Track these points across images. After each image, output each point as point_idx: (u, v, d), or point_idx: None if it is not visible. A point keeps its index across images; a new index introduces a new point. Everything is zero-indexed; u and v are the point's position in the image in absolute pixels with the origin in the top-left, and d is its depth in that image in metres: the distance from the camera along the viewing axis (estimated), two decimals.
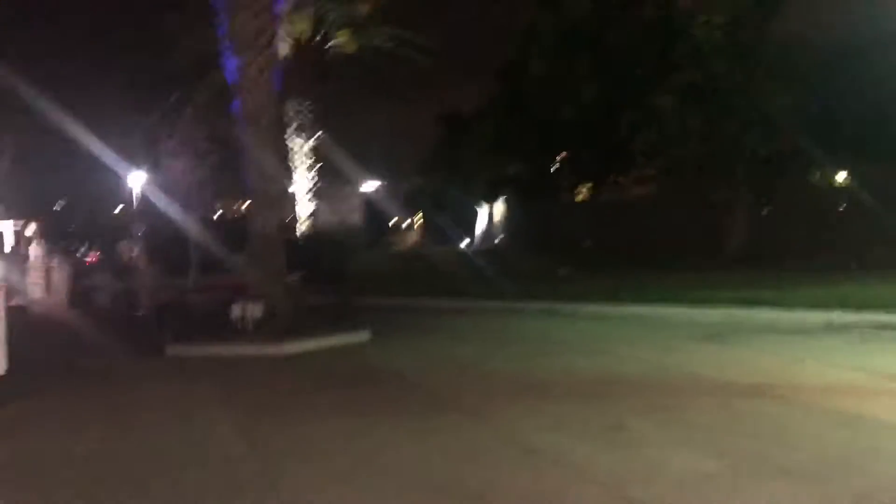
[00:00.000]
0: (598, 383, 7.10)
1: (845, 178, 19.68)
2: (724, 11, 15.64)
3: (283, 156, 21.54)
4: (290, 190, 23.06)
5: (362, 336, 10.18)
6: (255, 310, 9.89)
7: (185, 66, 22.07)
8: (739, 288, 13.40)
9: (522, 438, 5.25)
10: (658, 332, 10.36)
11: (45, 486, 4.60)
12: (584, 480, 4.37)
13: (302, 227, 23.31)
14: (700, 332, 10.01)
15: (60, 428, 6.07)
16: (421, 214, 46.39)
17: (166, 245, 22.76)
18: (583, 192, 33.86)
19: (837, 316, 10.17)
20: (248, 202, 12.68)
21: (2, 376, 7.40)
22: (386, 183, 47.94)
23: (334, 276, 17.11)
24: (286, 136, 22.49)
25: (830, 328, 9.82)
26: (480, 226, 42.31)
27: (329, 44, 21.92)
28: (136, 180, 32.85)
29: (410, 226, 47.72)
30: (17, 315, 16.20)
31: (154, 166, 28.82)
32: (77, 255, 35.67)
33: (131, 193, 34.49)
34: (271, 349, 9.23)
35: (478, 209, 41.88)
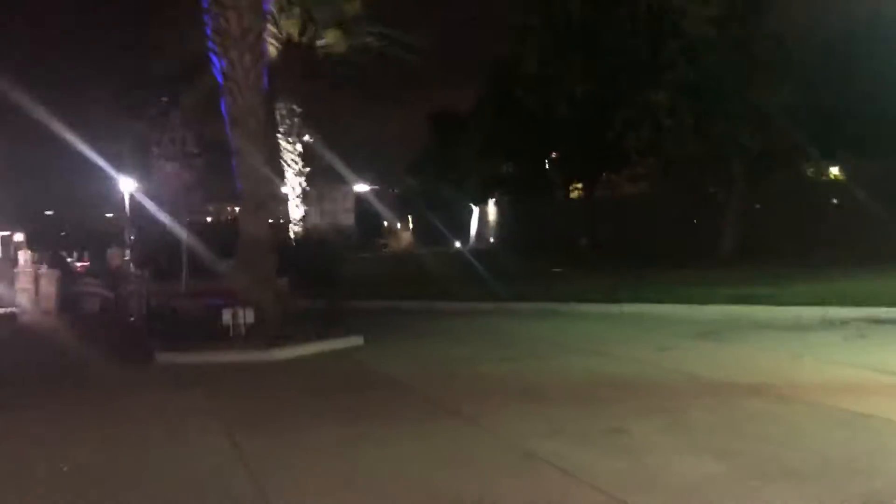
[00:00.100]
0: (595, 385, 6.98)
1: (839, 173, 19.64)
2: (716, 5, 15.55)
3: (274, 158, 21.34)
4: (282, 192, 22.90)
5: (355, 340, 10.03)
6: (246, 315, 9.73)
7: (175, 68, 21.89)
8: (735, 284, 13.32)
9: (520, 444, 5.12)
10: (654, 330, 10.25)
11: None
12: (586, 487, 4.24)
13: (294, 230, 23.12)
14: (696, 329, 9.91)
15: (43, 442, 5.90)
16: (413, 216, 46.26)
17: (157, 250, 22.57)
18: (577, 191, 33.79)
19: (834, 312, 10.08)
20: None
21: None
22: (378, 184, 47.83)
23: (326, 279, 16.95)
24: (277, 138, 22.31)
25: (827, 324, 9.73)
26: (474, 226, 42.21)
27: (318, 43, 21.73)
28: (128, 185, 32.63)
29: (403, 227, 47.53)
30: (5, 322, 16.07)
31: (145, 171, 28.63)
32: (68, 260, 35.40)
33: (123, 198, 34.26)
34: (262, 356, 9.07)
35: (471, 209, 41.78)
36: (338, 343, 9.85)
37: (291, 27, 21.14)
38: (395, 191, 49.93)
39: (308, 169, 22.95)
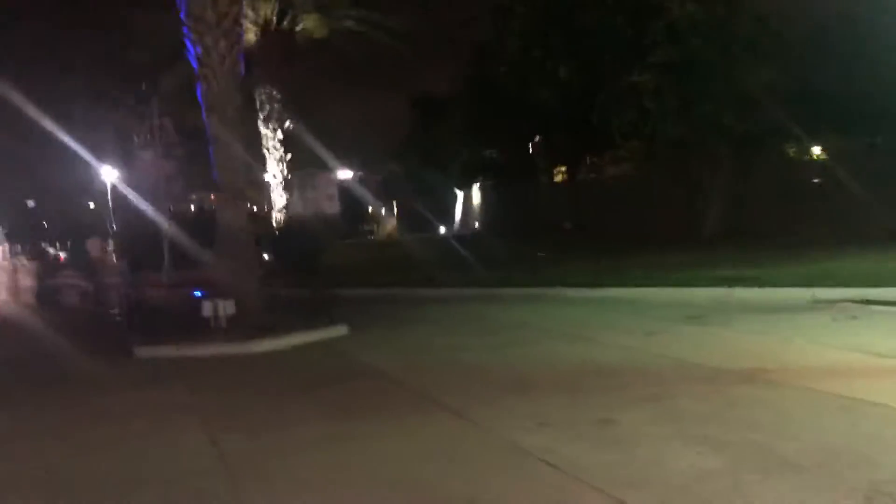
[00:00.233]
0: (583, 373, 6.84)
1: (822, 153, 19.62)
2: None
3: (254, 145, 21.03)
4: (263, 179, 22.60)
5: (339, 330, 9.86)
6: (226, 307, 9.52)
7: (153, 56, 21.48)
8: (720, 266, 13.24)
9: (509, 437, 4.98)
10: (641, 314, 10.12)
11: None
12: (579, 483, 4.09)
13: (276, 218, 22.84)
14: (683, 312, 9.79)
15: (12, 442, 5.69)
16: (398, 202, 45.97)
17: (138, 240, 22.21)
18: (560, 175, 33.64)
19: (822, 293, 9.98)
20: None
21: None
22: (362, 170, 47.45)
23: (310, 267, 16.73)
24: (257, 125, 21.98)
25: (816, 305, 9.64)
26: (459, 211, 42.01)
27: (297, 28, 21.37)
28: (109, 175, 32.15)
29: (388, 213, 47.24)
30: None
31: (126, 160, 28.21)
32: (49, 251, 34.92)
33: (104, 188, 33.76)
34: (243, 348, 8.89)
35: (456, 194, 41.55)
36: (321, 333, 9.68)
37: (270, 12, 20.77)
38: (380, 177, 49.51)
39: (289, 156, 22.64)
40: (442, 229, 39.28)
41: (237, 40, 10.37)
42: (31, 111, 26.43)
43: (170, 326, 10.39)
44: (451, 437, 5.15)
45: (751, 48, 16.23)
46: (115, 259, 18.01)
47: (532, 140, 33.21)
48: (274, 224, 22.55)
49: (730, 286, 11.08)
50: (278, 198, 22.71)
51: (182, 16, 10.24)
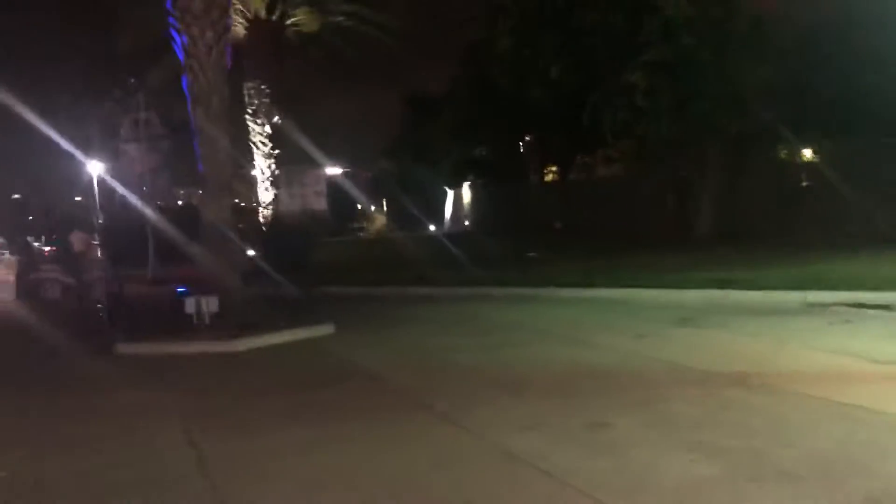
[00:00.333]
0: (574, 376, 6.70)
1: (814, 155, 19.58)
2: None
3: (242, 139, 20.76)
4: (251, 174, 22.33)
5: (326, 329, 9.66)
6: (210, 304, 9.31)
7: (140, 47, 21.16)
8: (712, 268, 13.14)
9: (500, 441, 4.82)
10: (632, 316, 9.99)
11: None
12: (572, 491, 3.94)
13: (264, 214, 22.57)
14: (675, 315, 9.67)
15: None
16: (388, 199, 45.71)
17: (123, 235, 21.92)
18: (551, 174, 33.55)
19: (815, 296, 9.89)
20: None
21: None
22: (352, 167, 47.18)
23: (297, 264, 16.52)
24: (245, 119, 21.70)
25: (809, 309, 9.54)
26: (449, 209, 41.83)
27: (288, 22, 21.12)
28: (95, 168, 31.77)
29: (378, 211, 46.97)
30: None
31: (111, 153, 27.87)
32: (34, 245, 34.43)
33: (90, 182, 33.37)
34: (227, 346, 8.68)
35: (446, 192, 41.38)
36: (307, 332, 9.49)
37: (260, 4, 20.50)
38: (370, 174, 49.22)
39: (278, 151, 22.36)
40: (432, 227, 39.07)
41: (224, 31, 10.15)
42: (17, 104, 26.04)
43: (153, 323, 10.17)
44: (439, 441, 4.98)
45: (745, 48, 16.13)
46: (99, 253, 17.67)
47: (523, 139, 33.10)
48: (261, 220, 22.28)
49: (723, 288, 10.97)
50: (266, 193, 22.43)
51: (168, 5, 10.01)
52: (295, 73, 24.05)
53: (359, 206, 46.74)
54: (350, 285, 15.21)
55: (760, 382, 6.02)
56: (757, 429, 4.83)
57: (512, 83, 21.58)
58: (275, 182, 22.58)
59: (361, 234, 44.07)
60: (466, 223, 38.22)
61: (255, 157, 22.13)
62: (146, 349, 8.96)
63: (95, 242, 20.49)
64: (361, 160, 47.66)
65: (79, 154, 30.49)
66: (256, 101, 21.66)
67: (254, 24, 20.52)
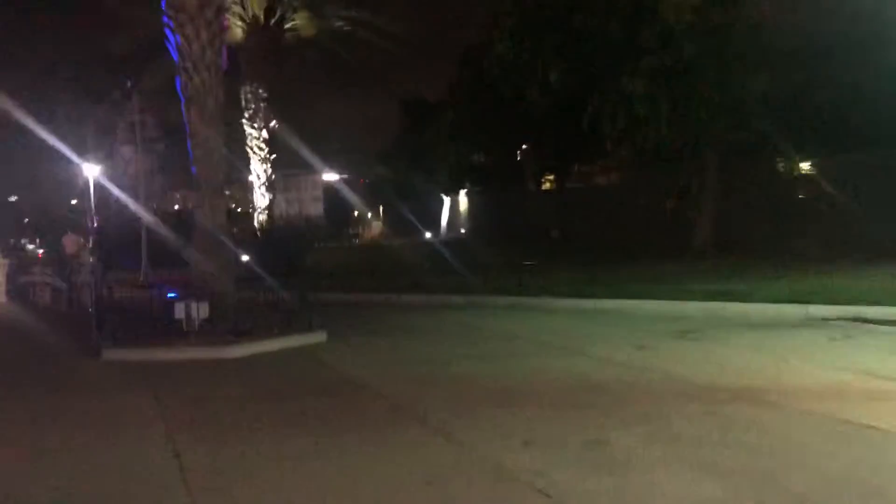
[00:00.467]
0: (571, 389, 6.52)
1: (812, 168, 19.48)
2: None
3: (238, 143, 20.61)
4: (248, 179, 22.17)
5: (318, 336, 9.48)
6: (200, 309, 9.10)
7: (136, 48, 21.04)
8: (711, 280, 13.01)
9: (494, 458, 4.63)
10: (631, 327, 9.83)
11: None
12: None
13: (259, 218, 22.39)
14: (674, 327, 9.53)
15: None
16: (384, 206, 45.50)
17: (116, 238, 21.71)
18: (549, 182, 33.42)
19: (816, 310, 9.76)
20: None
21: None
22: (348, 173, 46.96)
23: (292, 269, 16.32)
24: (242, 123, 21.55)
25: (810, 323, 9.41)
26: (445, 217, 41.66)
27: (286, 26, 21.00)
28: (91, 171, 31.54)
29: (374, 217, 46.75)
30: None
31: (107, 156, 27.65)
32: (28, 248, 34.24)
33: (86, 184, 33.13)
34: (216, 353, 8.49)
35: (443, 199, 41.20)
36: (299, 339, 9.30)
37: (258, 8, 20.39)
38: (366, 180, 49.02)
39: (274, 156, 22.20)
40: (428, 234, 38.89)
41: (220, 31, 10.01)
42: (13, 106, 25.89)
43: (142, 328, 9.96)
44: (431, 457, 4.79)
45: (744, 56, 16.03)
46: (90, 257, 17.46)
47: (521, 147, 32.97)
48: (256, 224, 22.09)
49: (722, 300, 10.82)
50: (261, 198, 22.24)
51: (162, 4, 9.86)
52: (292, 78, 23.91)
53: (355, 212, 46.54)
54: (345, 292, 15.01)
55: (763, 398, 5.86)
56: (762, 448, 4.67)
57: (510, 89, 21.46)
58: (271, 187, 22.42)
59: (356, 240, 43.83)
60: (463, 231, 38.06)
61: (252, 161, 21.97)
62: (133, 355, 8.75)
63: (88, 246, 20.29)
64: (358, 166, 47.42)
65: (74, 157, 30.28)
66: (253, 105, 21.52)
67: (252, 27, 20.40)
